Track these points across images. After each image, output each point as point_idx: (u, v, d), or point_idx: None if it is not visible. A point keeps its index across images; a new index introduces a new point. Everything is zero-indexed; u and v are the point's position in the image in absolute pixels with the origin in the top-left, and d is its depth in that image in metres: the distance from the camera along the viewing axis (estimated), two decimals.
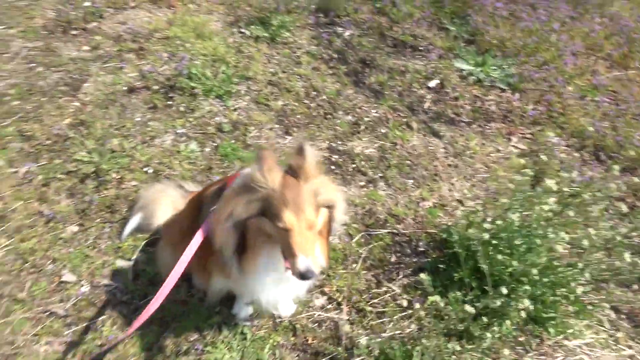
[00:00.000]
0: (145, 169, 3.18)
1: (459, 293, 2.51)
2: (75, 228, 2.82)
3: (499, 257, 2.38)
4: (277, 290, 2.08)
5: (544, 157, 2.94)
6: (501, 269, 2.40)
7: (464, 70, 4.47)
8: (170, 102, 3.71)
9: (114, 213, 2.91)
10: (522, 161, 3.24)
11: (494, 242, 2.46)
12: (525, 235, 2.37)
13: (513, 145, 3.82)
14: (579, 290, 2.28)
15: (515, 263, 2.31)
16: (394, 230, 3.03)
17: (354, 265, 2.82)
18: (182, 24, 4.40)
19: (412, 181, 3.40)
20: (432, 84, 4.34)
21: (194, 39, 4.24)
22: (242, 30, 4.54)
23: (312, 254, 1.69)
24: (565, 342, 2.55)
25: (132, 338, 2.35)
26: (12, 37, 4.16)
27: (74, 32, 4.28)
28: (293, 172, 1.76)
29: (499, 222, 2.43)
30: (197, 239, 2.03)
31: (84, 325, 2.40)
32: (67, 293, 2.52)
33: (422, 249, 2.95)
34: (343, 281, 2.72)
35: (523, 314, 2.21)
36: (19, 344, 2.30)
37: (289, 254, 1.70)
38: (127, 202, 2.96)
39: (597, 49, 4.78)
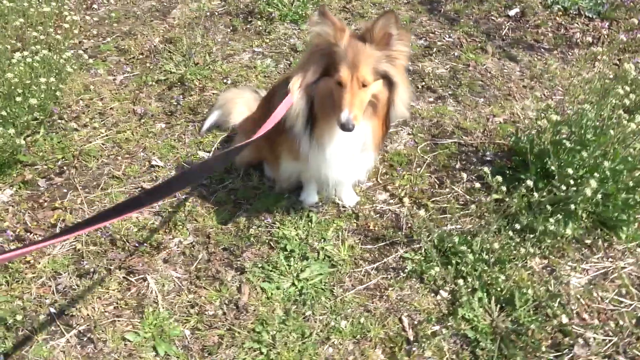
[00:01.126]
0: (224, 80, 3.42)
1: (524, 190, 2.47)
2: (163, 125, 3.12)
3: (569, 154, 2.32)
4: (342, 167, 2.21)
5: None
6: (571, 167, 2.33)
7: None
8: (248, 26, 3.93)
9: (197, 114, 3.18)
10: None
11: (564, 140, 2.39)
12: (597, 127, 2.28)
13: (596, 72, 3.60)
14: None
15: (585, 154, 2.24)
16: (461, 141, 3.03)
17: (418, 169, 2.87)
18: None
19: (482, 99, 3.35)
20: (513, 12, 4.18)
21: None
22: None
23: (356, 111, 1.81)
24: (639, 250, 2.44)
25: (208, 214, 2.59)
26: None
27: None
28: (362, 35, 1.86)
29: (571, 116, 2.36)
30: (287, 102, 2.14)
31: (170, 200, 2.69)
32: (156, 174, 2.82)
33: (488, 158, 2.93)
34: (406, 180, 2.79)
35: (591, 209, 2.15)
36: None
37: (337, 108, 1.82)
38: (208, 105, 3.22)
39: None
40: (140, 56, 3.62)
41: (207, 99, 3.27)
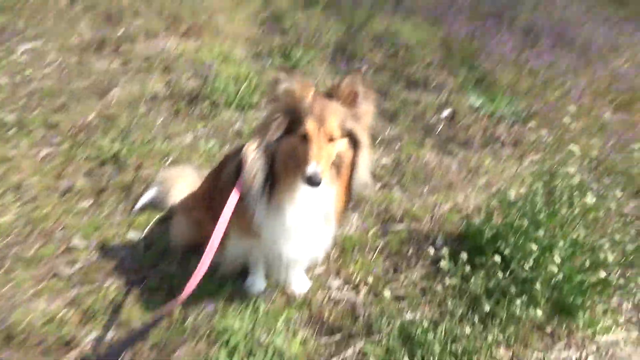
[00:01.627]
0: (164, 159, 3.21)
1: (482, 273, 2.40)
2: (89, 202, 2.79)
3: (523, 235, 2.32)
4: (301, 240, 2.01)
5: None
6: (526, 248, 2.32)
7: (475, 104, 4.64)
8: (193, 109, 3.83)
9: (130, 193, 2.90)
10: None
11: (517, 221, 2.41)
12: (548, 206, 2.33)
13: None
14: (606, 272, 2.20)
15: (541, 232, 2.24)
16: (411, 228, 2.98)
17: (372, 253, 2.74)
18: (209, 50, 4.67)
19: (427, 188, 3.39)
20: (445, 113, 4.48)
21: (220, 62, 4.46)
22: (265, 58, 4.80)
23: (323, 165, 1.69)
24: (597, 338, 2.39)
25: (136, 303, 2.23)
26: (50, 50, 4.40)
27: (107, 51, 4.54)
28: (328, 93, 1.81)
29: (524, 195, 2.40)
30: (234, 195, 2.00)
31: (89, 287, 2.29)
32: (74, 257, 2.43)
33: (440, 244, 2.87)
34: (360, 266, 2.63)
35: (549, 293, 2.10)
36: (18, 299, 2.18)
37: (302, 163, 1.70)
38: (144, 184, 2.95)
39: (602, 93, 4.97)
40: (71, 131, 3.34)
41: (143, 177, 3.01)
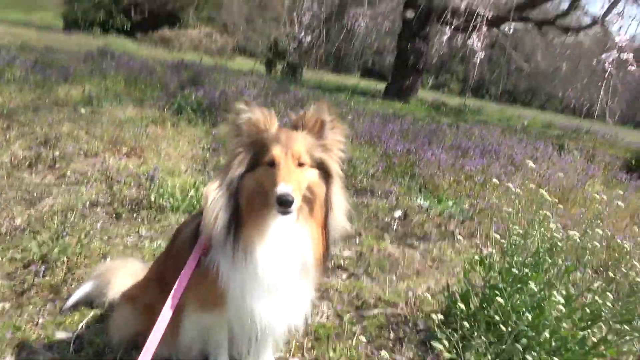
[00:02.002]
0: (102, 259, 2.82)
1: (476, 343, 2.14)
2: (7, 305, 2.29)
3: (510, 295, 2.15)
4: (276, 294, 1.71)
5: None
6: (518, 308, 2.13)
7: (424, 205, 4.74)
8: (136, 215, 3.55)
9: (60, 293, 2.44)
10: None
11: (500, 284, 2.26)
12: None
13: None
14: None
15: (532, 286, 2.08)
16: (387, 312, 2.70)
17: (349, 340, 2.39)
18: (152, 165, 4.55)
19: (395, 276, 3.20)
20: (397, 214, 4.50)
21: (164, 174, 4.33)
22: (210, 173, 4.74)
23: (294, 186, 1.52)
24: None
25: None
26: None
27: (41, 167, 4.27)
28: (293, 124, 1.71)
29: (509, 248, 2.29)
30: (191, 262, 1.74)
31: None
32: None
33: (421, 327, 2.59)
34: (339, 354, 2.26)
35: None
36: None
37: (271, 188, 1.52)
38: (77, 283, 2.52)
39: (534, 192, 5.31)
40: None
41: (77, 276, 2.59)
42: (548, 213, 2.22)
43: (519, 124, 10.68)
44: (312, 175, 1.67)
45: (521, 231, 2.35)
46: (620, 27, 12.93)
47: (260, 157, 1.63)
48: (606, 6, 11.97)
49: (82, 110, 6.58)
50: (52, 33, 24.92)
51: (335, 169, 1.72)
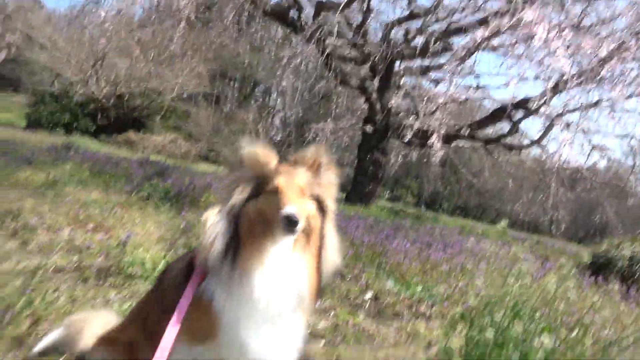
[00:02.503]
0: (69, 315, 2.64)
1: None
2: None
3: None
4: (268, 329, 1.68)
5: None
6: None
7: (393, 289, 4.76)
8: (103, 281, 3.39)
9: (24, 343, 2.25)
10: None
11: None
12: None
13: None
14: None
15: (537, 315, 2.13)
16: None
17: None
18: (119, 238, 4.44)
19: (372, 346, 3.14)
20: (367, 295, 4.49)
21: (132, 247, 4.21)
22: (180, 249, 4.65)
23: (299, 208, 1.61)
24: None
25: None
26: None
27: (2, 233, 4.08)
28: (292, 161, 1.84)
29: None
30: (190, 289, 1.74)
31: None
32: None
33: None
34: None
35: None
36: None
37: (276, 210, 1.60)
38: (43, 335, 2.33)
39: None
40: None
41: (43, 330, 2.40)
42: (523, 267, 2.36)
43: (474, 231, 11.30)
44: (311, 207, 1.77)
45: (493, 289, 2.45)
46: (555, 151, 14.42)
47: (262, 186, 1.72)
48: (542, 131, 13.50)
49: (46, 192, 6.44)
50: (14, 130, 24.84)
51: (331, 205, 1.84)
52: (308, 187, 1.75)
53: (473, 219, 28.08)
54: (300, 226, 1.62)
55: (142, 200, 6.93)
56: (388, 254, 5.61)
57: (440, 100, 13.33)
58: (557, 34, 5.48)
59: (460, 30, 9.86)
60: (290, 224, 1.57)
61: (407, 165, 30.65)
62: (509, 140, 14.56)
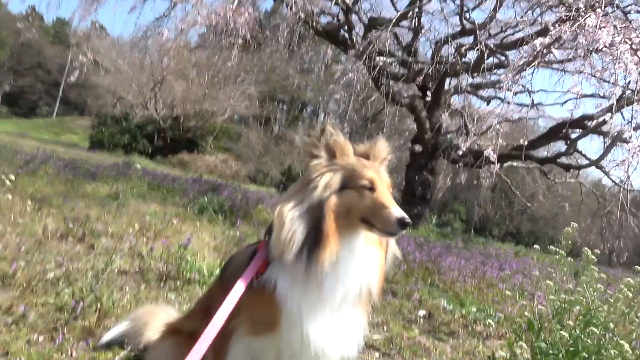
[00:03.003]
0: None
1: None
2: (43, 337, 2.21)
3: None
4: (331, 321, 1.68)
5: None
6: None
7: (448, 307, 4.62)
8: (163, 284, 3.52)
9: (93, 334, 2.36)
10: None
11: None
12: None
13: None
14: None
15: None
16: None
17: None
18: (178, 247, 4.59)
19: (428, 359, 3.05)
20: (421, 312, 4.38)
21: (191, 255, 4.34)
22: None
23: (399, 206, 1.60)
24: None
25: None
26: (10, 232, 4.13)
27: (70, 240, 4.33)
28: (362, 153, 1.84)
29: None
30: (242, 282, 1.77)
31: None
32: None
33: None
34: None
35: None
36: None
37: (378, 210, 1.61)
38: (109, 329, 2.44)
39: None
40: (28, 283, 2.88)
41: (109, 324, 2.51)
42: (595, 273, 2.24)
43: (529, 255, 10.79)
44: None
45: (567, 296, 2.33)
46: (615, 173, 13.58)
47: (350, 180, 1.71)
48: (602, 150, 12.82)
49: (109, 203, 6.79)
50: (78, 150, 26.51)
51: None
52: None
53: (525, 247, 26.88)
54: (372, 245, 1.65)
55: (197, 213, 7.16)
56: (442, 271, 5.46)
57: (493, 120, 13.02)
58: (623, 39, 5.25)
59: (516, 44, 9.64)
60: (402, 226, 1.57)
61: (456, 189, 29.92)
62: (565, 160, 13.95)
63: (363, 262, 1.69)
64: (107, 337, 2.24)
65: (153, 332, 2.22)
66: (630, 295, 2.13)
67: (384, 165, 1.85)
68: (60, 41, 60.16)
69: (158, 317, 2.31)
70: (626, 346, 1.84)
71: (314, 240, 1.64)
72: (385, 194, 1.65)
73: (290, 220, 1.67)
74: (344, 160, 1.76)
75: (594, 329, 1.98)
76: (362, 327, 1.77)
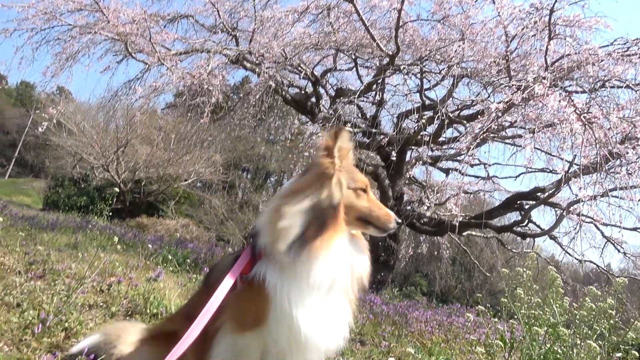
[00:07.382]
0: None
1: None
2: (6, 347, 2.09)
3: None
4: (320, 311, 1.73)
5: None
6: None
7: (417, 355, 4.59)
8: (129, 318, 3.39)
9: (59, 348, 2.25)
10: None
11: None
12: None
13: None
14: None
15: None
16: None
17: None
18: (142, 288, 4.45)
19: None
20: None
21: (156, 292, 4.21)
22: None
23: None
24: None
25: None
26: None
27: (30, 275, 4.13)
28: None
29: None
30: (227, 283, 1.82)
31: None
32: None
33: None
34: None
35: None
36: None
37: (376, 210, 1.78)
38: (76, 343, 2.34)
39: None
40: None
41: (76, 341, 2.40)
42: (560, 289, 2.38)
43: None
44: None
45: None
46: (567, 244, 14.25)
47: (350, 182, 1.85)
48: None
49: (69, 251, 6.53)
50: (32, 211, 25.36)
51: None
52: None
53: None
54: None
55: (161, 263, 6.95)
56: (409, 322, 5.46)
57: (452, 191, 13.60)
58: (569, 102, 5.83)
59: (474, 117, 10.43)
60: (398, 227, 1.82)
61: (417, 261, 30.17)
62: (521, 229, 14.55)
63: (355, 252, 1.78)
64: (77, 347, 2.15)
65: (126, 346, 2.16)
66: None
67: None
68: (22, 103, 59.65)
69: (130, 333, 2.25)
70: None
71: (313, 232, 1.73)
72: (372, 196, 1.81)
73: (294, 211, 1.75)
74: (345, 162, 1.91)
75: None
76: (349, 317, 1.82)
